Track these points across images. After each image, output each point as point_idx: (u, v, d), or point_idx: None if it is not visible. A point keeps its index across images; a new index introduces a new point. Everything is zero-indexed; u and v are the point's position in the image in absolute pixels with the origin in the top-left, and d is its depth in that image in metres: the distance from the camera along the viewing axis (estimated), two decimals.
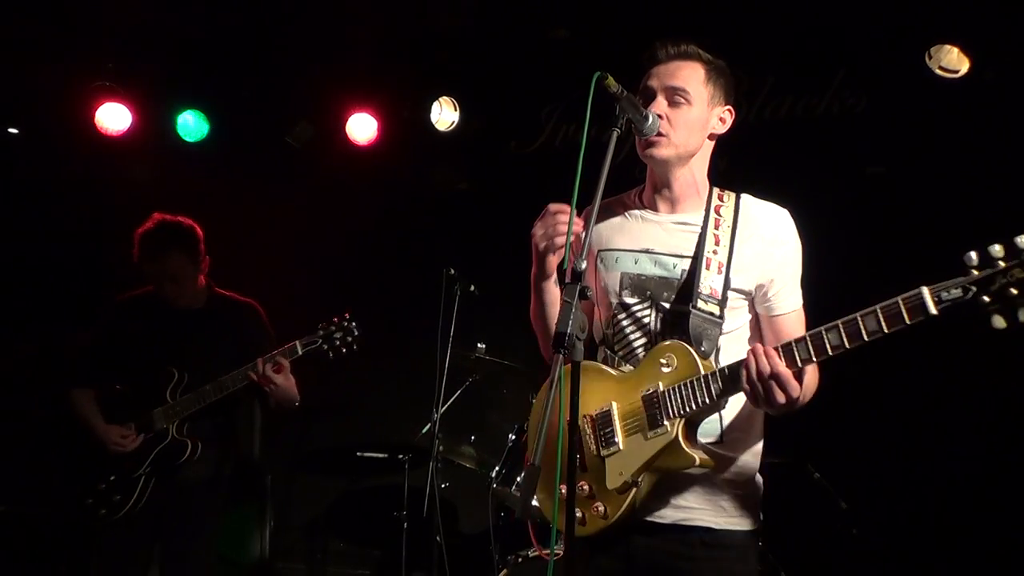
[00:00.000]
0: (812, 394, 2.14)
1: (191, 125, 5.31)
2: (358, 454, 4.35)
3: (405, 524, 4.15)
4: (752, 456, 2.23)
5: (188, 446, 3.62)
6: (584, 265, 1.99)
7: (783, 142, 4.75)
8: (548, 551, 3.06)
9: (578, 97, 2.10)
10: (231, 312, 3.79)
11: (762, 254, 2.21)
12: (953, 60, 4.17)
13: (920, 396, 4.32)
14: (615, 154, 2.13)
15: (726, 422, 2.18)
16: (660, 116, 2.20)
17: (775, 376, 1.95)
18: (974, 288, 1.69)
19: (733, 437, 2.19)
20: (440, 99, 5.22)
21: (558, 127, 5.24)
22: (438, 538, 4.03)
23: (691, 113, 2.23)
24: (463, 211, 5.53)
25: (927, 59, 4.21)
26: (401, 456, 4.28)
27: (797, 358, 1.95)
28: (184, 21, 4.95)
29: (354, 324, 3.60)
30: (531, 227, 2.22)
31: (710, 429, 2.16)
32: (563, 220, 2.13)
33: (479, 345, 4.18)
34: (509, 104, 5.29)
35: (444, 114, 5.24)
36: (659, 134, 2.21)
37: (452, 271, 4.26)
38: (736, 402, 2.17)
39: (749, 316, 2.25)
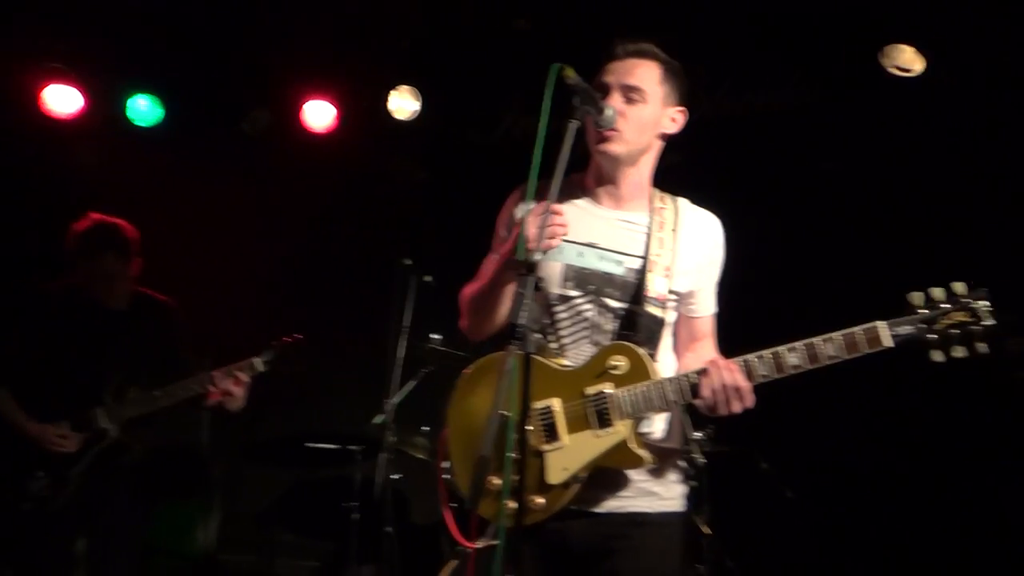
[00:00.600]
0: None
1: (144, 110, 5.17)
2: (308, 445, 4.30)
3: (356, 515, 4.11)
4: (680, 444, 2.33)
5: (130, 448, 3.57)
6: (538, 257, 1.98)
7: (739, 137, 4.78)
8: (473, 543, 3.07)
9: (538, 89, 2.09)
10: (156, 312, 3.77)
11: (699, 260, 2.29)
12: (907, 59, 4.23)
13: (864, 387, 4.40)
14: (573, 146, 2.11)
15: (656, 416, 2.24)
16: (619, 113, 2.22)
17: (737, 389, 2.04)
18: (924, 326, 1.94)
19: (665, 430, 2.26)
20: (400, 88, 5.16)
21: (518, 118, 5.21)
22: (388, 529, 4.00)
23: (645, 111, 2.25)
24: (422, 201, 5.49)
25: (882, 57, 4.27)
26: (353, 447, 4.24)
27: (756, 374, 2.05)
28: (140, 2, 4.83)
29: (305, 347, 3.60)
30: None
31: (647, 422, 2.22)
32: (564, 223, 2.11)
33: (435, 336, 4.14)
34: (469, 94, 5.25)
35: (404, 103, 5.18)
36: (613, 129, 2.22)
37: (408, 261, 4.22)
38: None
39: (675, 315, 2.31)
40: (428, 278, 4.23)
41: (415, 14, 4.90)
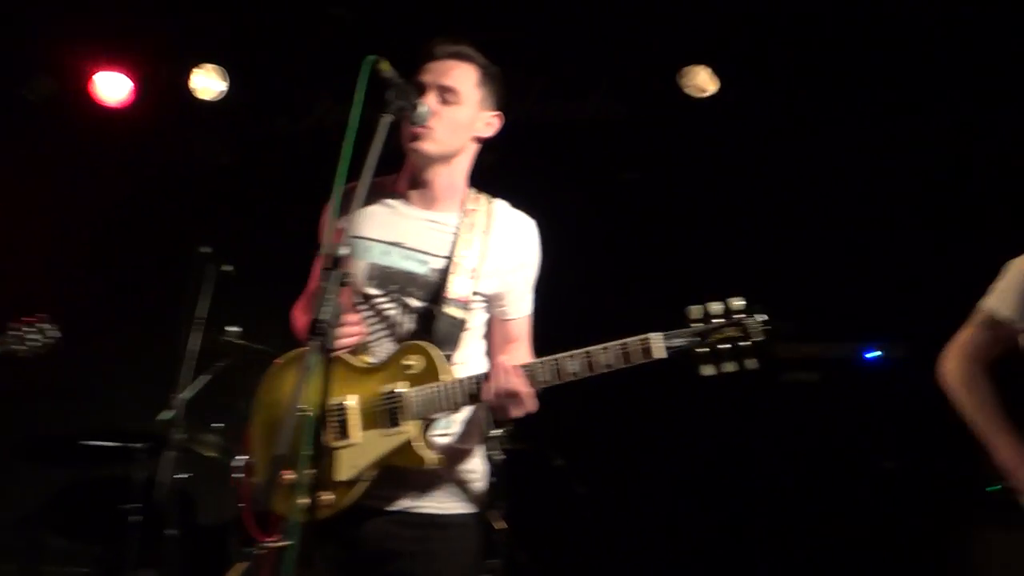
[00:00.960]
0: None
1: None
2: (82, 442, 3.98)
3: (136, 518, 3.84)
4: (478, 445, 2.31)
5: None
6: (346, 251, 1.93)
7: (549, 143, 4.91)
8: (272, 541, 2.99)
9: (352, 79, 2.04)
10: None
11: (508, 262, 2.27)
12: (702, 80, 4.51)
13: (649, 387, 4.66)
14: (386, 140, 2.07)
15: (456, 416, 2.23)
16: (432, 111, 2.20)
17: (516, 395, 2.05)
18: (697, 339, 1.95)
19: (459, 430, 2.24)
20: (205, 66, 4.90)
21: (330, 107, 5.08)
22: (171, 531, 3.78)
23: (459, 113, 2.24)
24: (224, 187, 5.22)
25: (680, 78, 4.53)
26: (136, 445, 3.97)
27: (537, 380, 2.06)
28: None
29: (50, 327, 3.26)
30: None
31: (442, 423, 2.22)
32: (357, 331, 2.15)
33: (232, 328, 3.95)
34: (280, 80, 5.06)
35: (209, 83, 4.92)
36: (425, 127, 2.20)
37: (207, 249, 4.00)
38: None
39: (486, 316, 2.30)
40: (228, 267, 4.03)
41: None
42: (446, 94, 2.23)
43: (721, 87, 4.48)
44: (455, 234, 2.24)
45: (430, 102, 2.21)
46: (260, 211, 5.06)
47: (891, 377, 4.29)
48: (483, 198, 2.33)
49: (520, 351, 2.29)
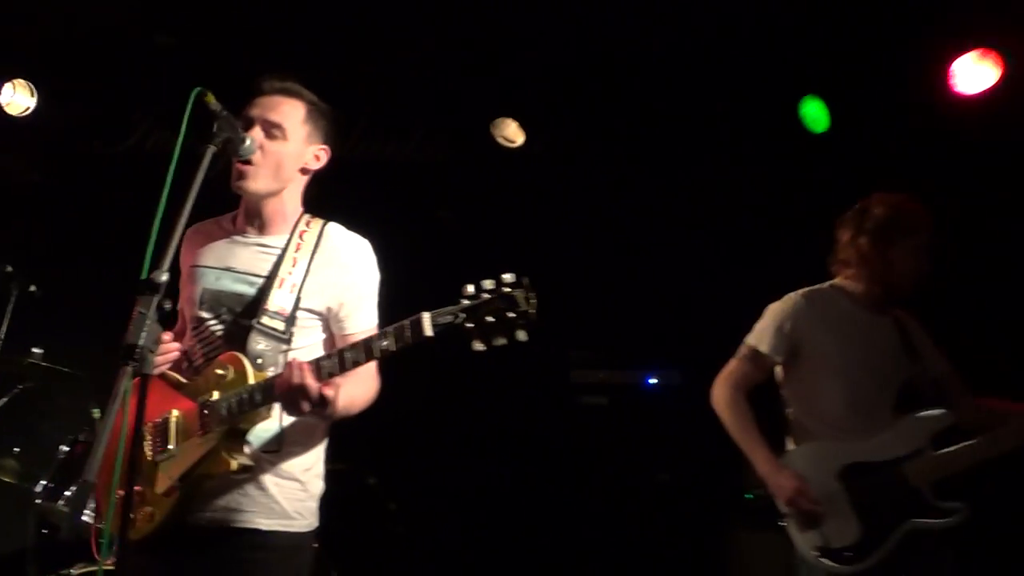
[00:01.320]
0: (363, 403, 2.21)
1: None
2: None
3: None
4: (309, 463, 2.25)
5: None
6: (165, 277, 1.89)
7: (370, 180, 4.92)
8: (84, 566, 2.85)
9: (175, 107, 2.00)
10: None
11: (336, 278, 2.24)
12: (512, 132, 4.71)
13: (463, 412, 4.77)
14: (208, 169, 2.06)
15: (285, 434, 2.19)
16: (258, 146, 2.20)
17: (302, 388, 1.98)
18: (462, 315, 1.86)
19: (290, 448, 2.20)
20: (16, 81, 4.55)
21: (149, 132, 4.85)
22: None
23: (285, 148, 2.24)
24: (31, 205, 4.84)
25: (492, 128, 4.70)
26: None
27: (323, 372, 2.01)
28: None
29: None
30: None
31: (269, 438, 2.16)
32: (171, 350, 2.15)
33: (35, 350, 3.66)
34: (99, 101, 4.78)
35: (18, 98, 4.57)
36: (249, 162, 2.19)
37: (9, 268, 3.71)
38: (296, 420, 2.18)
39: (324, 335, 2.27)
40: (33, 288, 3.75)
41: (48, 8, 4.35)
42: (272, 129, 2.23)
43: (528, 139, 4.68)
44: (281, 255, 2.23)
45: (256, 135, 2.21)
46: (69, 232, 4.73)
47: (668, 400, 4.61)
48: (317, 221, 2.31)
49: (367, 366, 2.19)
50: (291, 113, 2.26)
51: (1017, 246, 4.25)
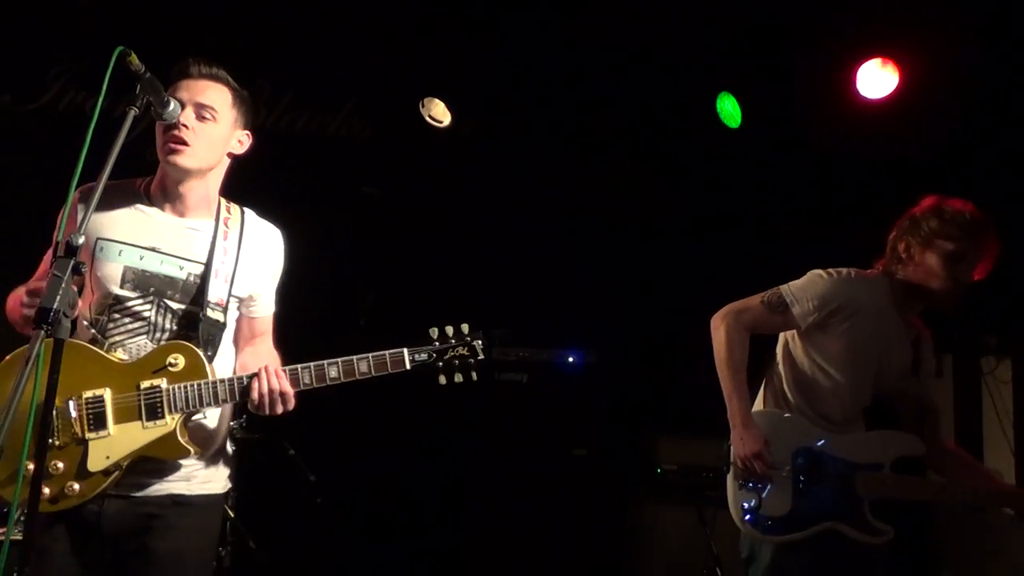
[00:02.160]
0: None
1: None
2: None
3: None
4: (222, 431, 2.32)
5: None
6: (81, 240, 1.82)
7: (295, 153, 4.80)
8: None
9: (92, 65, 1.90)
10: None
11: (258, 267, 2.32)
12: (439, 112, 4.66)
13: (383, 386, 4.72)
14: (128, 132, 1.97)
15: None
16: (186, 125, 2.18)
17: (283, 394, 2.16)
18: (434, 355, 2.23)
19: (219, 416, 2.28)
20: None
21: (65, 91, 4.58)
22: None
23: (216, 130, 2.24)
24: None
25: (421, 107, 4.64)
26: None
27: (300, 382, 2.18)
28: None
29: None
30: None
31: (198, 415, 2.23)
32: None
33: None
34: (8, 55, 4.49)
35: None
36: (184, 142, 2.19)
37: None
38: None
39: (236, 316, 2.35)
40: None
41: None
42: (203, 111, 2.22)
43: (454, 119, 4.64)
44: (212, 241, 2.25)
45: (188, 118, 2.19)
46: None
47: (585, 378, 4.68)
48: (234, 207, 2.35)
49: (264, 344, 2.39)
50: (220, 98, 2.27)
51: None
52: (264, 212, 2.43)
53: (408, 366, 2.20)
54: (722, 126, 4.33)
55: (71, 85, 4.56)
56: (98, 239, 2.20)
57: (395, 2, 4.21)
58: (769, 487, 2.70)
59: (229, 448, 2.36)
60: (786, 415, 2.80)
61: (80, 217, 1.92)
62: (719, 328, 2.81)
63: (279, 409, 2.17)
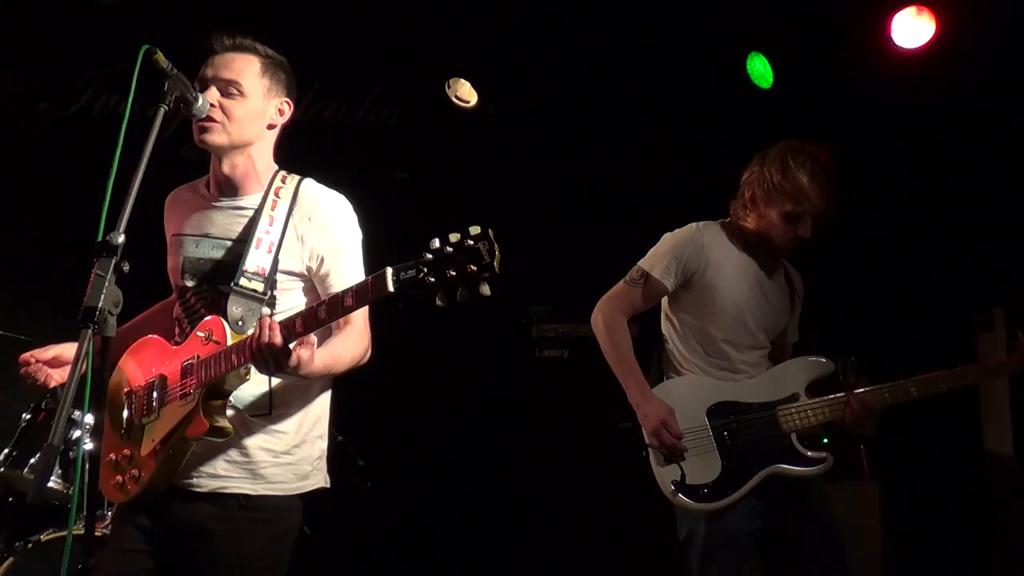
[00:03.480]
0: (350, 360, 2.11)
1: None
2: None
3: None
4: (300, 426, 2.18)
5: None
6: (121, 239, 1.83)
7: (324, 143, 4.82)
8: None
9: (123, 68, 1.92)
10: None
11: (312, 235, 2.15)
12: (466, 92, 4.63)
13: (427, 370, 4.76)
14: (161, 131, 2.00)
15: (275, 396, 2.12)
16: (213, 104, 2.11)
17: (270, 347, 1.90)
18: (425, 269, 1.73)
19: (281, 409, 2.14)
20: None
21: (97, 95, 4.65)
22: None
23: (245, 105, 2.15)
24: None
25: (447, 88, 4.62)
26: None
27: (295, 332, 1.93)
28: None
29: None
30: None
31: (258, 402, 2.11)
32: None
33: None
34: (43, 63, 4.56)
35: None
36: (211, 119, 2.12)
37: None
38: (285, 379, 2.11)
39: (306, 297, 2.18)
40: None
41: None
42: (229, 87, 2.14)
43: (481, 98, 4.60)
44: (255, 213, 2.15)
45: (212, 95, 2.12)
46: (19, 198, 4.56)
47: None
48: (293, 178, 2.23)
49: (353, 326, 2.13)
50: (246, 69, 2.17)
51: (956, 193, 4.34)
52: None
53: (392, 288, 1.75)
54: (754, 87, 4.24)
55: (104, 89, 4.62)
56: (173, 236, 2.24)
57: None
58: (691, 456, 2.62)
59: (320, 445, 2.21)
60: (688, 377, 2.72)
61: (126, 216, 1.87)
62: (597, 319, 2.78)
63: (275, 366, 1.91)
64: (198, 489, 2.08)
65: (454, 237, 1.76)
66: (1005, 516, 4.26)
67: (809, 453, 2.64)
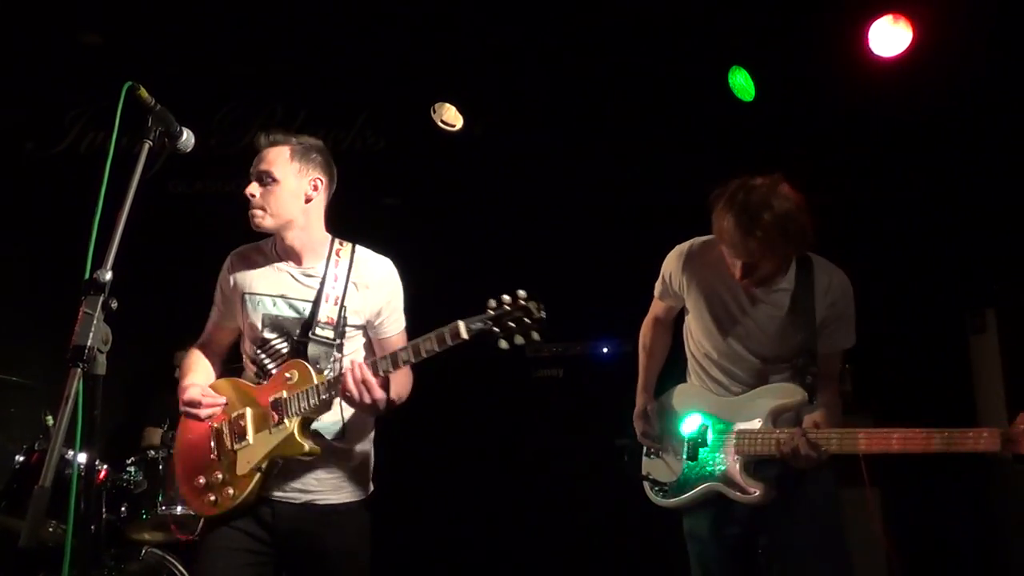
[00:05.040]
0: (406, 395, 2.57)
1: None
2: None
3: None
4: (365, 445, 2.62)
5: None
6: (109, 276, 1.82)
7: None
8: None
9: (108, 105, 1.91)
10: None
11: (371, 295, 2.56)
12: (451, 116, 4.65)
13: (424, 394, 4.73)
14: (147, 167, 2.00)
15: (347, 422, 2.54)
16: (254, 195, 2.48)
17: (365, 382, 2.33)
18: (490, 323, 2.25)
19: (352, 435, 2.56)
20: None
21: (84, 132, 4.66)
22: None
23: (279, 190, 2.48)
24: None
25: (432, 113, 4.64)
26: None
27: (379, 369, 2.36)
28: None
29: None
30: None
31: (333, 429, 2.52)
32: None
33: None
34: (28, 103, 4.56)
35: None
36: (256, 208, 2.49)
37: None
38: (354, 414, 2.52)
39: (364, 340, 2.61)
40: None
41: None
42: (264, 177, 2.48)
43: (467, 121, 4.63)
44: (323, 274, 2.54)
45: (254, 188, 2.48)
46: (14, 237, 4.54)
47: (621, 367, 4.63)
48: (347, 245, 2.60)
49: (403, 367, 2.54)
50: (277, 159, 2.50)
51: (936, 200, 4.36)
52: None
53: (465, 335, 2.26)
54: (736, 100, 4.27)
55: (90, 126, 4.63)
56: (244, 294, 2.56)
57: (393, 12, 4.21)
58: (664, 456, 2.79)
59: (369, 462, 2.61)
60: (688, 384, 2.82)
61: (113, 253, 1.90)
62: (640, 336, 2.98)
63: (367, 399, 2.33)
64: (294, 501, 2.48)
65: (507, 298, 2.27)
66: (1004, 516, 4.24)
67: (744, 483, 2.58)
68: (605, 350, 4.63)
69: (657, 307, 2.93)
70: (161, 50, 4.18)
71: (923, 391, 4.26)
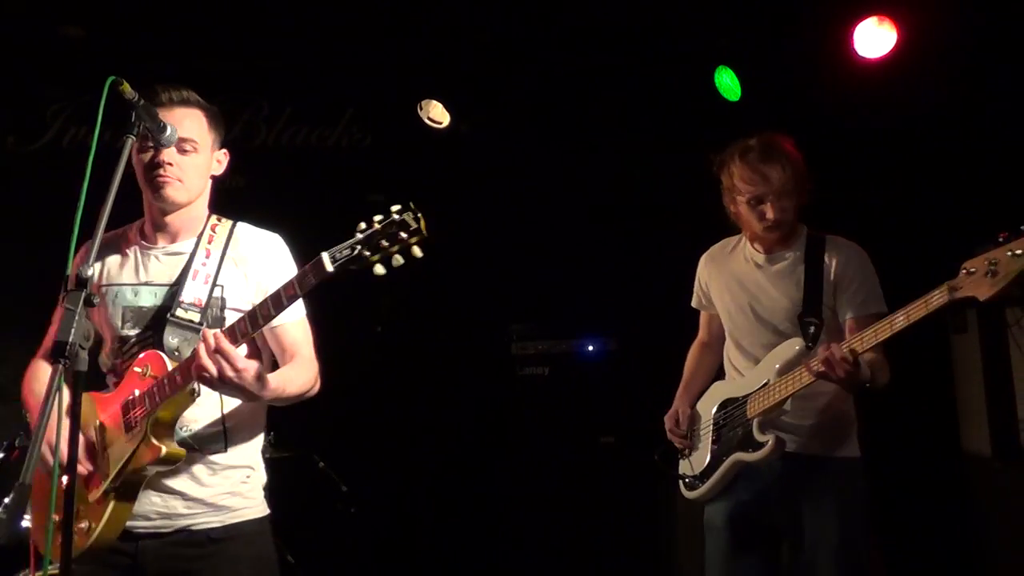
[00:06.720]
0: (300, 387, 2.13)
1: None
2: None
3: None
4: (253, 451, 2.23)
5: None
6: (91, 272, 1.80)
7: (298, 167, 4.80)
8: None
9: (90, 100, 1.90)
10: None
11: (252, 274, 2.21)
12: (438, 113, 4.64)
13: (408, 391, 4.72)
14: (129, 162, 2.01)
15: (230, 432, 2.16)
16: (171, 164, 2.14)
17: (221, 351, 1.91)
18: (359, 246, 1.84)
19: (236, 444, 2.18)
20: None
21: (65, 127, 4.61)
22: None
23: (198, 160, 2.20)
24: None
25: (419, 110, 4.63)
26: None
27: (238, 334, 1.97)
28: None
29: None
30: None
31: (214, 440, 2.14)
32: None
33: None
34: (8, 97, 4.52)
35: None
36: (169, 176, 2.15)
37: None
38: (238, 413, 2.16)
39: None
40: None
41: None
42: (183, 144, 2.16)
43: (454, 119, 4.62)
44: (192, 252, 2.19)
45: (171, 155, 2.14)
46: None
47: (606, 365, 4.65)
48: (226, 221, 2.28)
49: (301, 357, 2.19)
50: (196, 125, 2.20)
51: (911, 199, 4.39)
52: (273, 228, 2.37)
53: (331, 267, 1.84)
54: (722, 100, 4.29)
55: (71, 121, 4.58)
56: (102, 286, 2.19)
57: (380, 8, 4.19)
58: (695, 452, 2.83)
59: (259, 475, 2.24)
60: (722, 380, 2.90)
61: (96, 249, 1.84)
62: None
63: (227, 371, 1.91)
64: (162, 530, 2.08)
65: (378, 216, 1.86)
66: (986, 515, 4.29)
67: (759, 438, 2.60)
68: (591, 348, 4.64)
69: (701, 325, 3.04)
70: (144, 45, 4.15)
71: (906, 389, 4.29)
